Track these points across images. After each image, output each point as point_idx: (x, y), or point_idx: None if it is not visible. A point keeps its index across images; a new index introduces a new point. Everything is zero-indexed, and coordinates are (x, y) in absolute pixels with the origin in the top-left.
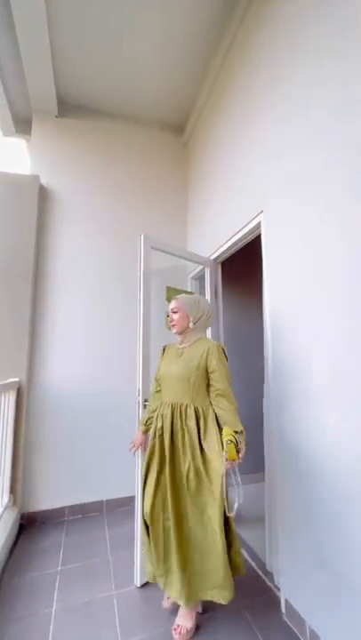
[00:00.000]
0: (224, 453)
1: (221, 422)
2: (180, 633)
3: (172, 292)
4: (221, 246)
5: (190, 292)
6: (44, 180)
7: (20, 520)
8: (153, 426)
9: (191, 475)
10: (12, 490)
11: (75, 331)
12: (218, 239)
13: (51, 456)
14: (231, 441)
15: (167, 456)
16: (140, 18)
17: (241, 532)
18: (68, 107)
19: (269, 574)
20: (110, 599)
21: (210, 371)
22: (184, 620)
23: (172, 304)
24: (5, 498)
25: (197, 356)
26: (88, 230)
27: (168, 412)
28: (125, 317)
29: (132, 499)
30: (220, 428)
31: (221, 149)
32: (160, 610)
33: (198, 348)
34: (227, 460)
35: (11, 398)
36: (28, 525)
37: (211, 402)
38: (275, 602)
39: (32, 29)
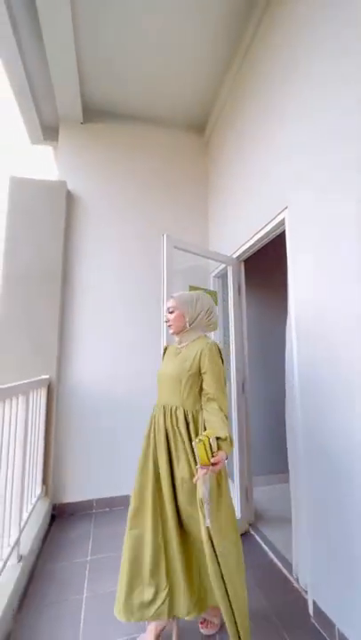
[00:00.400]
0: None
1: (207, 427)
2: (206, 627)
3: None
4: (244, 244)
5: (209, 290)
6: (70, 186)
7: (52, 511)
8: (147, 428)
9: (186, 481)
10: (44, 481)
11: (100, 331)
12: (240, 237)
13: (78, 451)
14: (201, 440)
15: (162, 462)
16: (162, 22)
17: (266, 531)
18: (92, 112)
19: (296, 575)
20: None
21: (202, 372)
22: (210, 616)
23: (169, 302)
24: (38, 489)
25: (191, 356)
26: (113, 232)
27: (160, 415)
28: (151, 318)
29: None
30: None
31: (242, 146)
32: None
33: (193, 347)
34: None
35: (42, 394)
36: (59, 516)
37: (202, 406)
38: (302, 604)
39: (59, 38)
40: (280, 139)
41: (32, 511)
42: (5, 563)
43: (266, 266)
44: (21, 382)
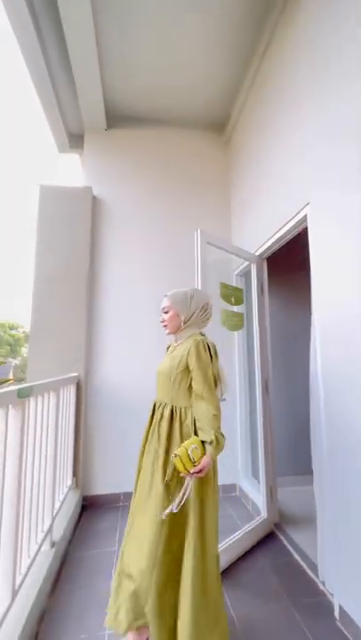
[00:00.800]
0: (172, 458)
1: (198, 428)
2: None
3: (226, 290)
4: (266, 242)
5: (235, 286)
6: (96, 191)
7: (83, 502)
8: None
9: (146, 484)
10: (75, 473)
11: (126, 331)
12: (262, 234)
13: (106, 446)
14: (177, 455)
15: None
16: (182, 25)
17: (291, 532)
18: (115, 118)
19: (322, 578)
20: None
21: (190, 369)
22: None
23: (164, 302)
24: (69, 480)
25: (180, 354)
26: (138, 233)
27: (150, 411)
28: None
29: None
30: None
31: (262, 142)
32: None
33: (185, 345)
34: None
35: (71, 391)
36: (89, 507)
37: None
38: (328, 607)
39: (82, 46)
40: (298, 135)
41: (64, 501)
42: (40, 546)
43: (289, 265)
44: (52, 379)
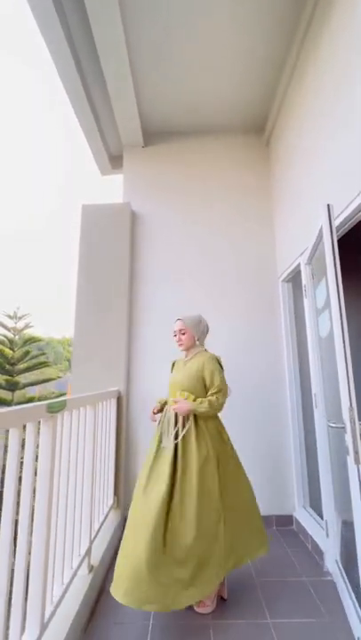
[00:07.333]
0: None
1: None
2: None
3: None
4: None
5: None
6: (135, 206)
7: (125, 522)
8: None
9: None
10: (116, 493)
11: (165, 346)
12: (311, 234)
13: None
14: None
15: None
16: (213, 28)
17: None
18: (152, 135)
19: None
20: None
21: (205, 376)
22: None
23: (179, 325)
24: (110, 500)
25: (196, 367)
26: (178, 247)
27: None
28: (215, 333)
29: None
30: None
31: (304, 132)
32: None
33: (197, 359)
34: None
35: (112, 405)
36: None
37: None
38: None
39: (114, 65)
40: (354, 117)
41: (103, 522)
42: (75, 572)
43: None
44: (90, 394)
